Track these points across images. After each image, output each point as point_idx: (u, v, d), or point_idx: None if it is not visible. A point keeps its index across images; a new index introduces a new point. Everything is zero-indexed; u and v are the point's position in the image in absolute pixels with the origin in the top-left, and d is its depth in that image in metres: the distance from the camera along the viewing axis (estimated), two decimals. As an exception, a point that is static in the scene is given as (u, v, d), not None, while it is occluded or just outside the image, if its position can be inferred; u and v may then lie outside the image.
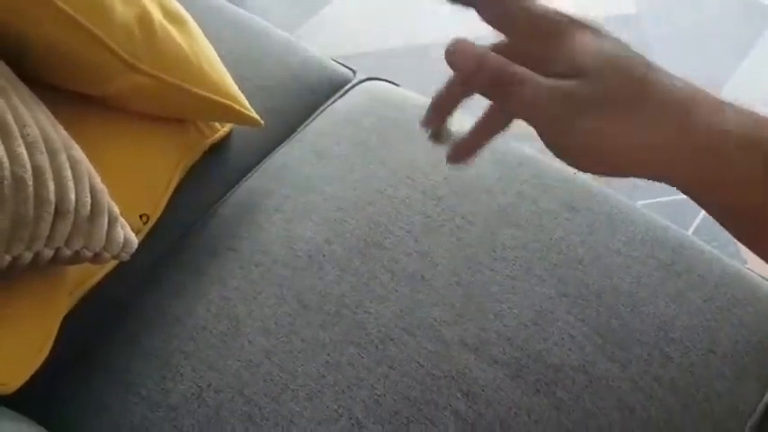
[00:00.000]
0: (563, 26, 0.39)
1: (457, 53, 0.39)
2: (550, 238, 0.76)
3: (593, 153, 0.38)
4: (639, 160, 0.38)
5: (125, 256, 0.69)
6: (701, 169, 0.38)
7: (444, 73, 0.44)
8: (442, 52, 0.40)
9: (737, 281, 0.74)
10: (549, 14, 0.39)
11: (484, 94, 0.40)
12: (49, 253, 0.61)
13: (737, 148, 0.37)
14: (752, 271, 0.77)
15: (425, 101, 0.96)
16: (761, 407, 0.69)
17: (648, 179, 0.39)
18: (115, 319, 0.77)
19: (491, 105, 0.46)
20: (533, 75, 0.38)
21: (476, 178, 0.81)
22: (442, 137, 0.47)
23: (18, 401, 0.64)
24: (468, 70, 0.39)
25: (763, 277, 0.77)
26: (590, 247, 0.75)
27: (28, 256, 0.60)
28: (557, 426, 0.65)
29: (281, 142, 0.93)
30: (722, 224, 0.41)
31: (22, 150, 0.59)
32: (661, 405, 0.66)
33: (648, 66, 0.39)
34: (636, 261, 0.74)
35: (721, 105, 0.38)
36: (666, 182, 0.39)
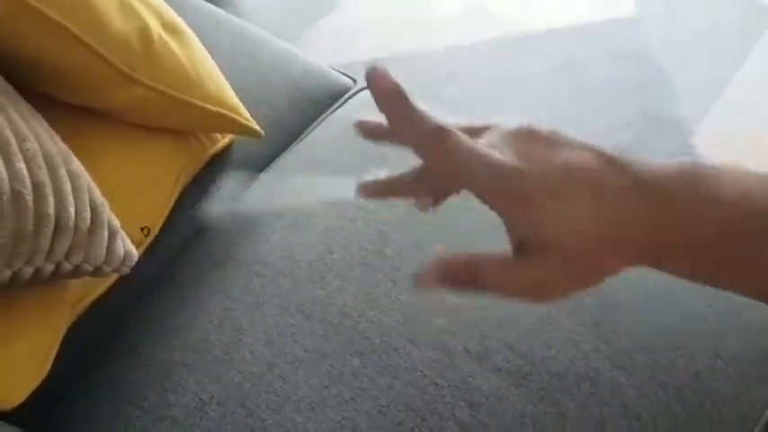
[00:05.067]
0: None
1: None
2: (553, 245, 0.75)
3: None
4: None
5: (125, 270, 0.69)
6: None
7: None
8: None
9: (742, 285, 0.74)
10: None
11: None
12: (49, 267, 0.61)
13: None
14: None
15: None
16: (768, 412, 0.69)
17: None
18: (117, 331, 0.77)
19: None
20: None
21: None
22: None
23: (19, 415, 0.64)
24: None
25: None
26: (593, 253, 0.74)
27: (28, 270, 0.60)
28: (562, 434, 0.64)
29: (282, 152, 0.93)
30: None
31: (22, 165, 0.58)
32: (667, 412, 0.66)
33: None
34: (639, 267, 0.73)
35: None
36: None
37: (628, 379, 0.67)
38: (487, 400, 0.66)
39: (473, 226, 0.78)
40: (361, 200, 0.45)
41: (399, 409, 0.66)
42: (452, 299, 0.42)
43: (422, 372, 0.68)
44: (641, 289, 0.72)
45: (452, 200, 0.45)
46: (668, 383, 0.67)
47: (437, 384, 0.67)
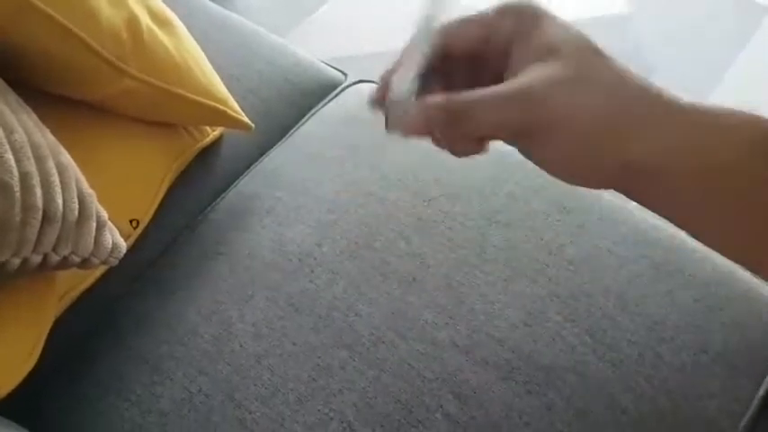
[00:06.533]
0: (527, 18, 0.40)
1: (406, 128, 0.41)
2: (541, 239, 0.76)
3: (569, 132, 0.38)
4: (609, 132, 0.38)
5: (113, 261, 0.69)
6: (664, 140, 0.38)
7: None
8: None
9: (729, 280, 0.74)
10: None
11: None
12: (36, 259, 0.61)
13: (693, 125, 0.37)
14: (743, 269, 0.77)
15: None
16: (754, 406, 0.69)
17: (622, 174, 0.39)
18: (105, 323, 0.77)
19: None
20: (474, 96, 0.39)
21: (467, 179, 0.81)
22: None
23: (7, 407, 0.64)
24: (422, 132, 0.41)
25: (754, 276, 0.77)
26: (580, 248, 0.75)
27: (15, 262, 0.60)
28: (548, 427, 0.64)
29: (272, 145, 0.93)
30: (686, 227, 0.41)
31: (9, 156, 0.58)
32: (653, 405, 0.66)
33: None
34: (626, 261, 0.74)
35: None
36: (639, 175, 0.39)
37: (614, 372, 0.67)
38: (474, 393, 0.66)
39: (463, 219, 0.78)
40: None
41: (387, 401, 0.66)
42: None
43: (410, 364, 0.68)
44: (628, 283, 0.73)
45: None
46: (654, 377, 0.67)
47: (424, 377, 0.67)
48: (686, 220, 0.40)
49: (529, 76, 0.38)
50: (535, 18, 0.40)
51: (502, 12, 0.41)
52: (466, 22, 0.42)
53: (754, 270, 0.41)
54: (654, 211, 0.41)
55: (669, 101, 0.38)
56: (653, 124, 0.37)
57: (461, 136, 0.41)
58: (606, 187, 0.40)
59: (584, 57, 0.38)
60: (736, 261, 0.41)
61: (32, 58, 0.69)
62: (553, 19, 0.40)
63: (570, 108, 0.37)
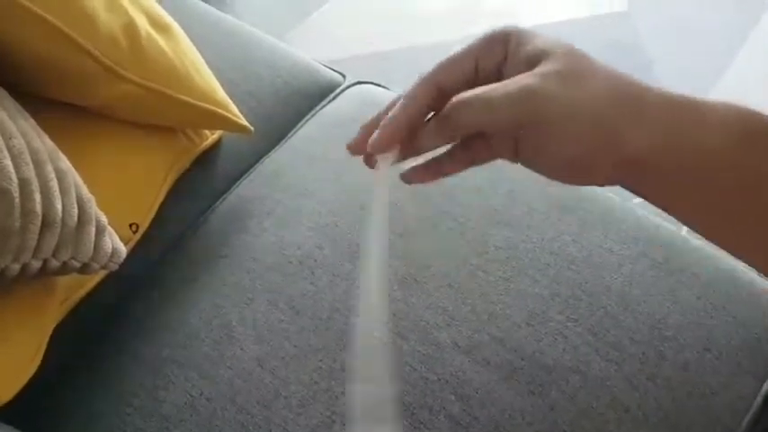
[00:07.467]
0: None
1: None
2: (542, 239, 0.75)
3: (565, 132, 0.39)
4: (606, 132, 0.38)
5: (113, 266, 0.69)
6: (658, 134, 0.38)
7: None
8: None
9: (730, 278, 0.74)
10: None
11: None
12: (36, 264, 0.61)
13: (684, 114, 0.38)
14: (745, 267, 0.77)
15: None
16: (757, 403, 0.69)
17: (618, 170, 0.39)
18: (107, 328, 0.77)
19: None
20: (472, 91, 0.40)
21: (466, 179, 0.81)
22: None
23: (9, 413, 0.64)
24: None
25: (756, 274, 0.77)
26: (582, 247, 0.75)
27: (15, 267, 0.59)
28: (551, 427, 0.64)
29: (272, 148, 0.93)
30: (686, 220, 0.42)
31: (8, 162, 0.58)
32: (656, 404, 0.66)
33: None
34: (628, 260, 0.74)
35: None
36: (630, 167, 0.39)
37: (617, 371, 0.67)
38: (477, 393, 0.66)
39: (463, 219, 0.78)
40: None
41: (389, 403, 0.66)
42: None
43: (412, 366, 0.68)
44: (630, 282, 0.72)
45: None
46: (657, 375, 0.67)
47: (427, 378, 0.67)
48: (678, 210, 0.41)
49: (526, 75, 0.39)
50: (522, 36, 0.41)
51: (489, 39, 0.42)
52: (453, 60, 0.43)
53: (748, 262, 0.41)
54: (648, 200, 0.41)
55: (662, 94, 0.39)
56: (647, 118, 0.38)
57: (451, 133, 0.42)
58: (600, 184, 0.41)
59: (575, 56, 0.40)
60: (730, 252, 0.42)
61: (30, 63, 0.69)
62: (538, 33, 0.41)
63: (565, 102, 0.38)
